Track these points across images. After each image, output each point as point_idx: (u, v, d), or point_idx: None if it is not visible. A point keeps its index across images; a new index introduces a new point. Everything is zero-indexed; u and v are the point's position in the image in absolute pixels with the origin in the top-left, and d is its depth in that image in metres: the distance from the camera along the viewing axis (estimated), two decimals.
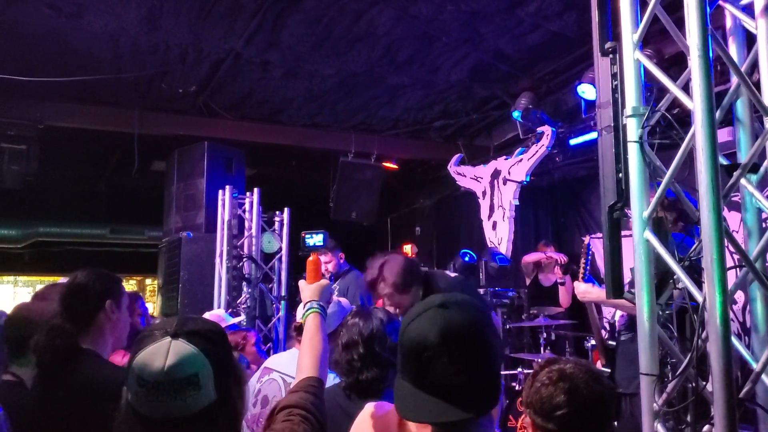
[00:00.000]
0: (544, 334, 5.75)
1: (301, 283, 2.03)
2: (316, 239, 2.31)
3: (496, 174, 7.27)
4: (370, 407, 1.61)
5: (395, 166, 8.31)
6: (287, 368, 2.44)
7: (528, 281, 6.58)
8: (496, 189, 7.26)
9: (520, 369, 5.66)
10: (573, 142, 6.52)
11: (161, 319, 2.77)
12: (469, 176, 7.75)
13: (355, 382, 2.02)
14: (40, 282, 12.80)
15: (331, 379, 2.12)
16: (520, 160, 6.90)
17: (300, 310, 2.07)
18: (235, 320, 5.16)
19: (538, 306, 6.04)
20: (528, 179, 6.84)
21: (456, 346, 1.21)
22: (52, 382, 1.94)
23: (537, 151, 6.65)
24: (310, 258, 2.07)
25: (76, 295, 2.12)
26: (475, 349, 1.24)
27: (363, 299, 5.00)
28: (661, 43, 4.62)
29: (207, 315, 4.93)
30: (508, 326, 6.07)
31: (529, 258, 6.53)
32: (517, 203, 7.01)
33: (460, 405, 1.21)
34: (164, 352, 1.23)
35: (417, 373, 1.24)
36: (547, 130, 6.50)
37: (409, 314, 1.32)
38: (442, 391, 1.21)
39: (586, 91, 5.64)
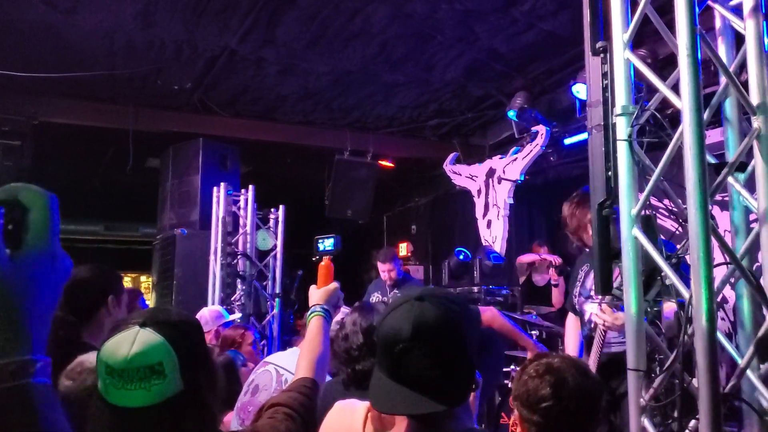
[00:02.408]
0: (536, 332, 5.77)
1: (312, 287, 2.00)
2: (327, 243, 2.28)
3: (491, 173, 7.30)
4: (338, 406, 1.57)
5: (391, 165, 8.33)
6: (283, 362, 2.46)
7: (521, 280, 6.60)
8: (490, 188, 7.28)
9: (513, 366, 5.67)
10: (567, 141, 6.55)
11: None
12: (464, 175, 7.77)
13: (353, 372, 2.05)
14: None
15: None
16: (515, 159, 6.93)
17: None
18: (233, 317, 5.18)
19: (530, 305, 6.06)
20: (522, 178, 6.88)
21: (427, 339, 1.22)
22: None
23: (531, 151, 6.68)
24: (322, 263, 2.04)
25: (79, 289, 2.14)
26: (447, 342, 1.24)
27: None
28: (655, 43, 4.64)
29: (206, 311, 4.95)
30: None
31: (524, 258, 6.56)
32: (512, 202, 7.04)
33: (432, 397, 1.21)
34: (130, 341, 1.23)
35: (391, 365, 1.25)
36: (541, 129, 6.53)
37: (389, 306, 1.33)
38: (415, 383, 1.22)
39: (580, 90, 5.66)
